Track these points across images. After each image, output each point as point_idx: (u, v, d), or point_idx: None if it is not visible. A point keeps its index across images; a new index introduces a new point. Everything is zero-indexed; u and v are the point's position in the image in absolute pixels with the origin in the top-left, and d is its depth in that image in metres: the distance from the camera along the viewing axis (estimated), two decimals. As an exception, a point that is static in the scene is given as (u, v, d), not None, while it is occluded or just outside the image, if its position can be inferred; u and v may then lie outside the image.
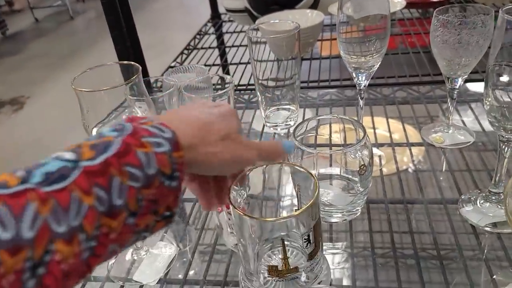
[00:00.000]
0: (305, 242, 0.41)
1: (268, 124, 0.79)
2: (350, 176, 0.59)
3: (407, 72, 0.92)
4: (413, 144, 0.70)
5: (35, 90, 3.16)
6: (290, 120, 0.78)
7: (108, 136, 0.30)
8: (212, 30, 1.42)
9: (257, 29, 1.01)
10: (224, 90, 0.74)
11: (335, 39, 0.71)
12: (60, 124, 2.61)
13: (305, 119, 0.57)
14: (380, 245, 0.55)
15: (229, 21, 1.44)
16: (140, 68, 0.60)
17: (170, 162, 0.31)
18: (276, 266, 0.41)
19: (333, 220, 0.57)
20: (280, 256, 0.43)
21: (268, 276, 0.42)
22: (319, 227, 0.42)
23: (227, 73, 1.17)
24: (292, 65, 0.74)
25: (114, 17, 0.84)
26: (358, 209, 0.57)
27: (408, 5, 1.22)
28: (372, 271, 0.50)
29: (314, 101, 0.88)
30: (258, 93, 0.77)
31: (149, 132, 0.31)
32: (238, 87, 1.04)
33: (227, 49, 1.29)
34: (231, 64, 1.18)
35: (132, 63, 0.61)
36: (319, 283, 0.44)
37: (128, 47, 0.87)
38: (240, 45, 1.24)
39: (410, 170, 0.68)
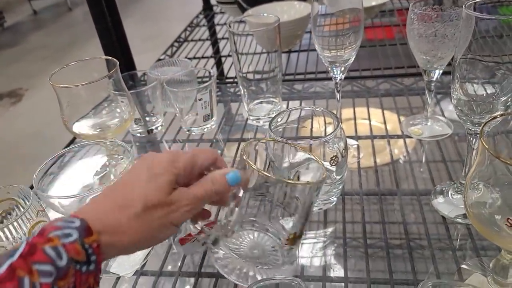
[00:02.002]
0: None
1: (251, 117, 0.80)
2: (327, 166, 0.60)
3: (393, 64, 0.92)
4: (392, 136, 0.71)
5: (33, 83, 3.17)
6: (273, 113, 0.79)
7: (20, 243, 0.31)
8: (204, 22, 1.42)
9: (242, 22, 1.01)
10: (205, 84, 0.75)
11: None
12: (59, 117, 2.63)
13: (280, 111, 0.58)
14: (352, 236, 0.56)
15: (221, 12, 1.44)
16: (118, 63, 0.61)
17: (83, 248, 0.32)
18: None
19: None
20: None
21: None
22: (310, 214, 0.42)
23: (219, 65, 1.18)
24: (274, 58, 0.75)
25: (99, 11, 0.85)
26: (333, 198, 0.58)
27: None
28: (343, 261, 0.51)
29: (299, 94, 0.89)
30: (241, 87, 0.78)
31: (56, 226, 0.32)
32: (226, 80, 1.04)
33: (219, 41, 1.29)
34: (222, 56, 1.19)
35: (110, 58, 0.62)
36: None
37: (114, 41, 0.88)
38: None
39: (388, 162, 0.69)
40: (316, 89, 0.88)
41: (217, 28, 1.34)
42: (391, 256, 0.50)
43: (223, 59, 1.18)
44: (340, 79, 0.65)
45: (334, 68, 0.63)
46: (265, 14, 0.89)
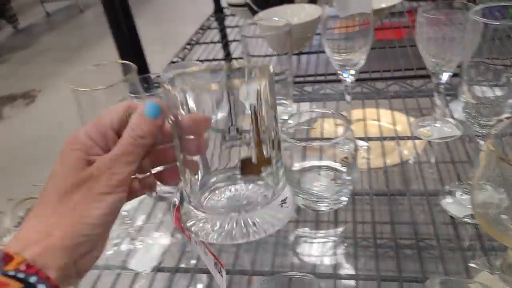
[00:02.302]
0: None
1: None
2: (337, 167, 0.62)
3: (402, 65, 0.93)
4: (401, 138, 0.72)
5: (46, 84, 3.22)
6: (284, 115, 0.80)
7: None
8: (215, 24, 1.44)
9: (254, 24, 1.03)
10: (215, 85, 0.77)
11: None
12: (71, 117, 2.66)
13: (292, 114, 0.59)
14: (362, 235, 0.58)
15: (232, 15, 1.46)
16: (136, 68, 0.63)
17: (10, 277, 0.28)
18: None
19: (321, 208, 0.60)
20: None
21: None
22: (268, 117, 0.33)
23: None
24: (284, 60, 0.76)
25: (113, 14, 0.87)
26: (344, 199, 0.60)
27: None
28: (353, 259, 0.52)
29: (309, 96, 0.90)
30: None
31: None
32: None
33: (230, 43, 1.31)
34: (233, 58, 1.21)
35: (128, 62, 0.64)
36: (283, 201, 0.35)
37: (128, 45, 0.90)
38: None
39: (397, 162, 0.70)
40: (326, 91, 0.90)
41: (228, 30, 1.36)
42: (401, 255, 0.52)
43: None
44: (351, 82, 0.66)
45: (344, 72, 0.64)
46: (275, 18, 0.91)
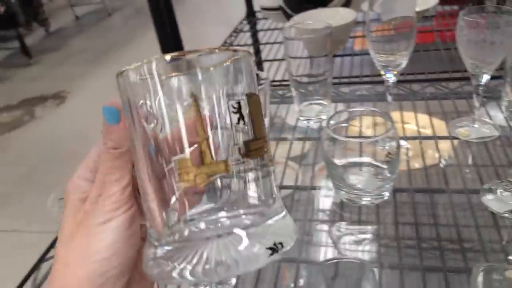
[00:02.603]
0: (234, 112, 0.27)
1: (301, 118, 0.84)
2: (379, 164, 0.64)
3: (437, 68, 0.95)
4: (439, 138, 0.74)
5: (76, 85, 3.31)
6: (323, 114, 0.83)
7: None
8: (247, 27, 1.47)
9: (291, 27, 1.06)
10: (261, 87, 0.80)
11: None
12: (101, 118, 2.74)
13: (337, 111, 0.62)
14: (403, 227, 0.60)
15: (264, 19, 1.50)
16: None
17: None
18: (186, 160, 0.27)
19: (363, 202, 0.62)
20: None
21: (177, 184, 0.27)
22: (259, 108, 0.28)
23: (261, 69, 1.23)
24: (324, 62, 0.79)
25: (159, 16, 0.91)
26: (385, 194, 0.62)
27: (442, 2, 1.24)
28: (397, 250, 0.55)
29: (345, 96, 0.93)
30: (292, 89, 0.82)
31: None
32: (273, 83, 1.09)
33: (261, 46, 1.34)
34: (265, 60, 1.24)
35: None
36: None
37: (171, 43, 0.94)
38: (274, 42, 1.29)
39: (435, 162, 0.72)
40: (363, 92, 0.92)
41: (261, 34, 1.39)
42: (443, 248, 0.54)
43: (267, 63, 1.23)
44: (393, 82, 0.69)
45: (387, 72, 0.67)
46: (310, 22, 0.94)
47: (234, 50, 0.29)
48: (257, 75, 0.87)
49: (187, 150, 0.27)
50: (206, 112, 0.27)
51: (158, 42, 0.98)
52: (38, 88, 3.38)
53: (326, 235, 0.67)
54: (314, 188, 0.70)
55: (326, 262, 0.45)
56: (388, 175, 0.62)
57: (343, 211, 0.65)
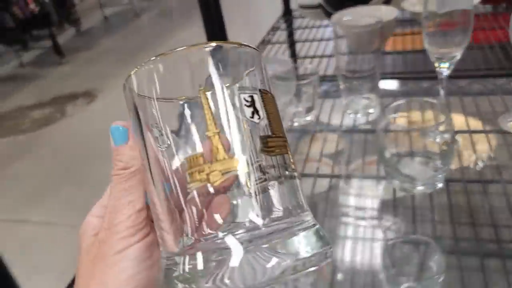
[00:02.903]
0: (247, 106, 0.25)
1: (348, 112, 0.86)
2: (432, 155, 0.66)
3: (482, 66, 0.96)
4: (489, 132, 0.75)
5: (106, 84, 3.37)
6: (370, 108, 0.85)
7: None
8: (284, 26, 1.50)
9: (340, 23, 1.08)
10: (309, 80, 0.82)
11: (407, 34, 0.75)
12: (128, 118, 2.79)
13: (396, 101, 0.63)
14: (458, 215, 0.61)
15: (300, 17, 1.52)
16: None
17: None
18: (198, 157, 0.25)
19: (415, 191, 0.64)
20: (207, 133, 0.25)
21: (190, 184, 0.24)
22: (274, 107, 0.27)
23: (296, 67, 1.25)
24: (373, 57, 0.81)
25: (209, 15, 0.94)
26: (438, 183, 0.63)
27: (483, 1, 1.24)
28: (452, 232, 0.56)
29: (391, 92, 0.94)
30: (340, 83, 0.84)
31: None
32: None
33: (300, 43, 1.36)
34: (304, 57, 1.26)
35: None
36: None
37: (217, 34, 0.96)
38: (313, 40, 1.31)
39: (486, 155, 0.73)
40: (409, 87, 0.93)
41: (299, 31, 1.41)
42: (499, 234, 0.55)
43: (300, 60, 1.25)
44: (445, 75, 0.70)
45: (441, 63, 0.68)
46: (349, 18, 0.95)
47: (243, 45, 0.27)
48: (306, 68, 0.89)
49: (198, 146, 0.24)
50: (217, 106, 0.25)
51: (206, 37, 1.00)
52: (69, 86, 3.46)
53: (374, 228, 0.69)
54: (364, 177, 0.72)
55: (393, 240, 0.46)
56: (441, 165, 0.63)
57: (396, 202, 0.67)
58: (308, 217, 0.26)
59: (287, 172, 0.26)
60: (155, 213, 0.26)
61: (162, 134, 0.25)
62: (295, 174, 0.26)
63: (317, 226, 0.26)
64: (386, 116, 0.64)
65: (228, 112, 0.25)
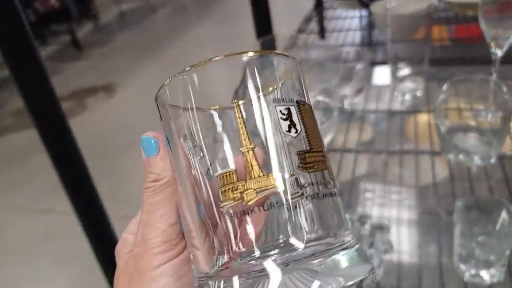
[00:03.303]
0: (284, 119, 0.24)
1: (396, 94, 0.89)
2: (486, 131, 0.69)
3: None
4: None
5: (125, 78, 3.41)
6: (417, 91, 0.88)
7: None
8: (316, 17, 1.53)
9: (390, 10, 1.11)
10: (358, 63, 0.85)
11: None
12: (149, 110, 2.82)
13: (451, 79, 0.67)
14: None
15: (332, 8, 1.55)
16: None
17: None
18: (231, 174, 0.23)
19: (470, 164, 0.67)
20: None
21: (225, 204, 0.23)
22: (313, 120, 0.26)
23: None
24: (422, 43, 0.84)
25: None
26: (492, 157, 0.67)
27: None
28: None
29: (438, 76, 0.96)
30: (390, 68, 0.87)
31: None
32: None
33: (331, 34, 1.40)
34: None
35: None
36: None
37: (265, 22, 1.00)
38: (348, 30, 1.35)
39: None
40: (456, 72, 0.96)
41: (332, 22, 1.45)
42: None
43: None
44: (499, 56, 0.73)
45: (495, 44, 0.71)
46: (393, 5, 0.98)
47: (279, 54, 0.26)
48: (349, 53, 0.93)
49: (231, 162, 0.23)
50: (251, 119, 0.23)
51: (253, 23, 1.04)
52: (88, 80, 3.51)
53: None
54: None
55: (468, 199, 0.49)
56: (495, 141, 0.66)
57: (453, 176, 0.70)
58: (349, 237, 0.24)
59: (326, 189, 0.24)
60: (187, 229, 0.25)
61: (195, 146, 0.24)
62: (335, 190, 0.25)
63: (358, 246, 0.24)
64: (442, 92, 0.67)
65: (265, 125, 0.23)
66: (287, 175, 0.23)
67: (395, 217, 0.65)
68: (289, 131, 0.24)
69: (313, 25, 1.44)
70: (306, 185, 0.23)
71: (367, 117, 0.87)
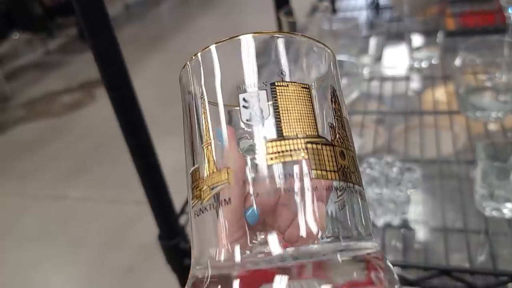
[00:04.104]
0: (245, 107, 0.22)
1: (412, 60, 0.93)
2: (501, 89, 0.73)
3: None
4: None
5: (131, 70, 3.41)
6: (432, 59, 0.92)
7: None
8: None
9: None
10: (376, 32, 0.89)
11: None
12: (158, 101, 2.86)
13: (468, 42, 0.70)
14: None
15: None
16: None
17: None
18: (195, 171, 0.23)
19: (487, 120, 0.71)
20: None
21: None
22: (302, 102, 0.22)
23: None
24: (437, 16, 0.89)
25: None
26: (508, 112, 0.70)
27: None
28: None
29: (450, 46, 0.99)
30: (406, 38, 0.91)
31: None
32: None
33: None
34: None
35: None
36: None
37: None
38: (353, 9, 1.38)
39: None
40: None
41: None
42: None
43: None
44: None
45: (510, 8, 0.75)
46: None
47: (314, 40, 0.24)
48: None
49: (200, 158, 0.22)
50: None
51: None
52: (95, 73, 3.50)
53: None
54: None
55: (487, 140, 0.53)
56: (510, 98, 0.71)
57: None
58: (369, 243, 0.22)
59: (350, 187, 0.22)
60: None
61: (201, 132, 0.23)
62: (359, 189, 0.23)
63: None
64: (459, 55, 0.71)
65: (220, 118, 0.22)
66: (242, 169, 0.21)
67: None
68: (249, 119, 0.22)
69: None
70: (340, 187, 0.21)
71: (385, 84, 0.91)
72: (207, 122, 0.22)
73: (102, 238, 1.85)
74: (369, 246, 0.22)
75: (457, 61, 0.71)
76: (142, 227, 1.80)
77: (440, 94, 0.82)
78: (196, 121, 0.23)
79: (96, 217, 1.99)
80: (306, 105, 0.22)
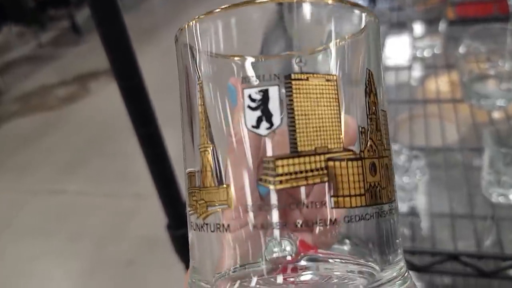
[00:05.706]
0: (252, 108, 0.18)
1: (415, 48, 0.93)
2: (504, 77, 0.73)
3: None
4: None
5: (126, 61, 3.41)
6: (435, 47, 0.93)
7: None
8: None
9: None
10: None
11: None
12: (155, 93, 2.85)
13: (472, 28, 0.71)
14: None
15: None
16: None
17: None
18: (191, 175, 0.20)
19: (491, 107, 0.72)
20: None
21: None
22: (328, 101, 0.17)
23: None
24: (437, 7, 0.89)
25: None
26: (511, 100, 0.71)
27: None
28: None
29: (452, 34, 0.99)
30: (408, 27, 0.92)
31: None
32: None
33: None
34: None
35: None
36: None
37: None
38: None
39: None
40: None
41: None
42: None
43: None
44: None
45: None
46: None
47: (354, 4, 0.18)
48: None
49: (197, 160, 0.18)
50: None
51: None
52: (89, 65, 3.51)
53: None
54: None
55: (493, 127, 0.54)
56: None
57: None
58: (401, 267, 0.19)
59: (379, 210, 0.18)
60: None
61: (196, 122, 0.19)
62: (391, 207, 0.19)
63: (410, 279, 0.19)
64: (463, 43, 0.71)
65: (221, 119, 0.17)
66: (245, 189, 0.17)
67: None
68: (257, 126, 0.17)
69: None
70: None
71: (388, 74, 0.91)
72: (204, 120, 0.18)
73: (101, 231, 1.85)
74: (395, 276, 0.18)
75: (461, 49, 0.71)
76: (141, 221, 1.80)
77: (443, 83, 0.83)
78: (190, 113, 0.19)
79: (95, 211, 1.99)
80: (330, 106, 0.17)
